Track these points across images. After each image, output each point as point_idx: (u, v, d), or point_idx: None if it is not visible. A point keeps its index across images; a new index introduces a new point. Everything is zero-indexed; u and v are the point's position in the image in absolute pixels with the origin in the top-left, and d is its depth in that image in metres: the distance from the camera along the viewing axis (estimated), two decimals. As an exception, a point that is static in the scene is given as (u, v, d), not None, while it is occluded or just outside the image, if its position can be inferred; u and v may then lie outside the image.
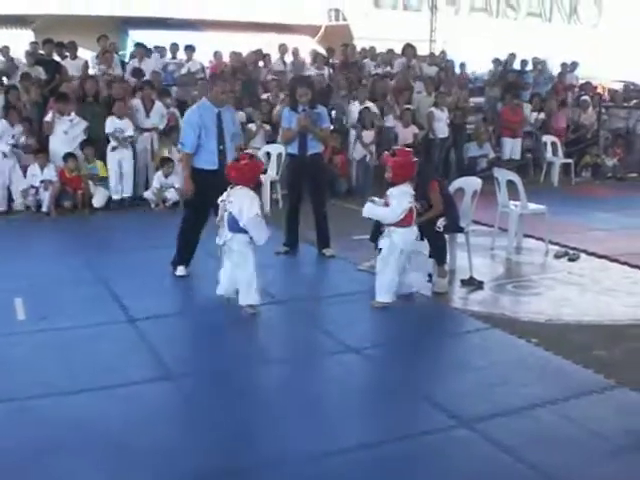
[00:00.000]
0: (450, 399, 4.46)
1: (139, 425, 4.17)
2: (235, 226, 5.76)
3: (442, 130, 13.13)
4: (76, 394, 4.54)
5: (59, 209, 10.25)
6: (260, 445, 3.97)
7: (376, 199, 6.27)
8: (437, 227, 6.55)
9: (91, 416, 4.25)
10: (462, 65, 15.94)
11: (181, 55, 13.55)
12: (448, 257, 6.89)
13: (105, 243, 8.79)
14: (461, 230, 7.05)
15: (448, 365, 5.22)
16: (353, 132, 11.96)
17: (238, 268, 5.90)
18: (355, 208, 10.38)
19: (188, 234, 7.02)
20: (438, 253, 6.66)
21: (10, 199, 10.38)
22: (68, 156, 10.27)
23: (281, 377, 4.92)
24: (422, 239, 6.77)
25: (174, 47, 13.59)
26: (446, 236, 6.80)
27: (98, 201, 10.43)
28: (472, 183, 7.48)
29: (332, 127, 8.06)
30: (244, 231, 5.77)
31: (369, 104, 12.16)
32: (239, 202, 5.74)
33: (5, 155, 10.19)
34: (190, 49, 13.46)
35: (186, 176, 6.95)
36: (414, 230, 6.20)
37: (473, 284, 6.87)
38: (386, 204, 6.14)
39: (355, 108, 12.14)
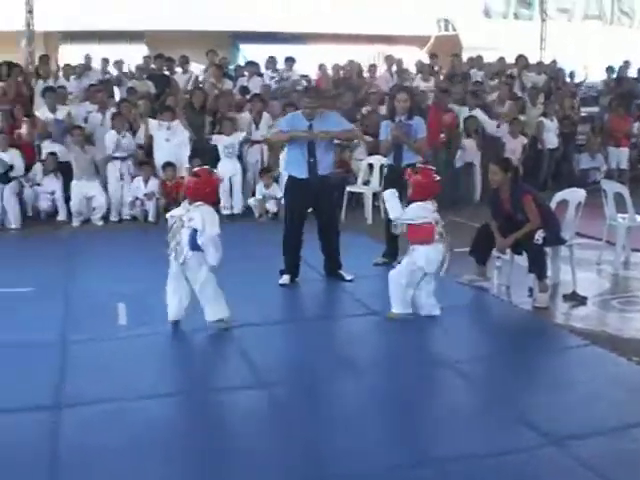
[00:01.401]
0: (543, 416, 4.33)
1: (226, 431, 4.26)
2: (196, 244, 5.58)
3: (551, 141, 12.80)
4: (169, 397, 4.68)
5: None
6: (346, 455, 3.94)
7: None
8: (535, 240, 6.38)
9: (181, 420, 4.38)
10: (572, 74, 15.53)
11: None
12: (549, 271, 6.70)
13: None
14: (562, 242, 6.83)
15: (544, 381, 5.05)
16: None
17: (203, 285, 5.71)
18: (458, 220, 10.29)
19: (286, 242, 7.24)
20: (538, 267, 6.47)
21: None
22: (166, 165, 10.53)
23: (371, 387, 4.88)
24: (520, 253, 6.67)
25: (272, 60, 13.58)
26: (547, 249, 6.62)
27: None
28: (576, 195, 7.25)
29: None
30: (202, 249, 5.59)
31: (476, 112, 12.03)
32: (201, 219, 5.56)
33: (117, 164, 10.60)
34: (290, 61, 13.51)
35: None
36: (438, 249, 6.05)
37: (576, 299, 6.65)
38: None
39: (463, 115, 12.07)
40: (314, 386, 4.90)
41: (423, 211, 6.06)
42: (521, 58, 14.44)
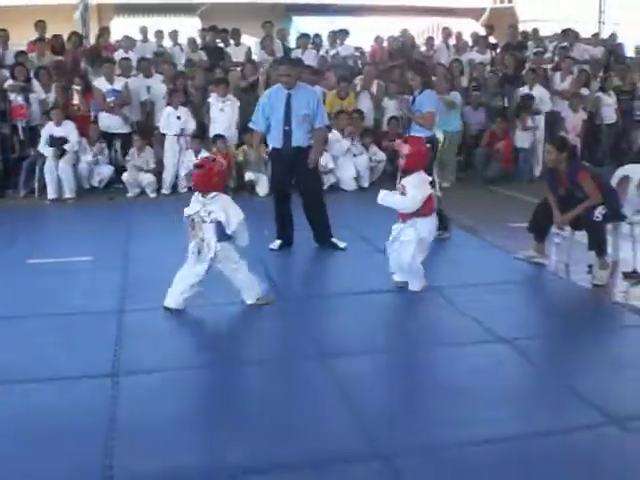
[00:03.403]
0: (602, 396, 4.24)
1: (290, 399, 4.31)
2: (223, 235, 5.51)
3: (609, 116, 12.57)
4: (219, 367, 4.73)
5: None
6: (401, 431, 3.92)
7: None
8: (595, 216, 6.26)
9: (244, 388, 4.48)
10: (637, 48, 15.11)
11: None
12: (609, 248, 6.57)
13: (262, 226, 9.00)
14: (623, 219, 6.67)
15: (602, 361, 4.92)
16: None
17: (236, 273, 5.67)
18: (513, 195, 10.21)
19: (276, 208, 7.51)
20: (597, 244, 6.36)
21: (176, 183, 10.90)
22: (217, 138, 10.57)
23: (426, 363, 4.87)
24: (580, 229, 6.55)
25: (331, 34, 13.60)
26: (608, 226, 6.49)
27: (262, 189, 10.60)
28: (638, 170, 7.08)
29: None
30: (230, 237, 5.53)
31: (537, 89, 11.92)
32: (223, 209, 5.45)
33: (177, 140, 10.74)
34: (343, 33, 13.47)
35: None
36: (435, 219, 6.09)
37: (636, 278, 6.51)
38: (402, 193, 5.93)
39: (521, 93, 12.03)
40: (376, 357, 4.90)
41: (425, 185, 5.98)
42: (569, 32, 14.15)
